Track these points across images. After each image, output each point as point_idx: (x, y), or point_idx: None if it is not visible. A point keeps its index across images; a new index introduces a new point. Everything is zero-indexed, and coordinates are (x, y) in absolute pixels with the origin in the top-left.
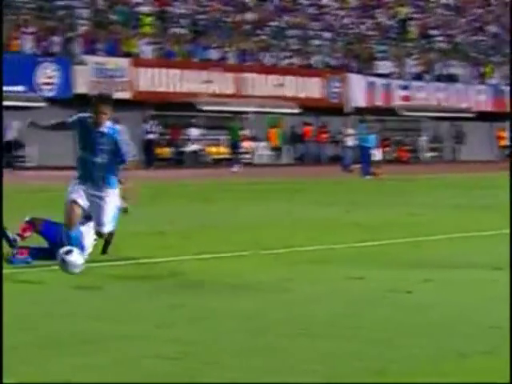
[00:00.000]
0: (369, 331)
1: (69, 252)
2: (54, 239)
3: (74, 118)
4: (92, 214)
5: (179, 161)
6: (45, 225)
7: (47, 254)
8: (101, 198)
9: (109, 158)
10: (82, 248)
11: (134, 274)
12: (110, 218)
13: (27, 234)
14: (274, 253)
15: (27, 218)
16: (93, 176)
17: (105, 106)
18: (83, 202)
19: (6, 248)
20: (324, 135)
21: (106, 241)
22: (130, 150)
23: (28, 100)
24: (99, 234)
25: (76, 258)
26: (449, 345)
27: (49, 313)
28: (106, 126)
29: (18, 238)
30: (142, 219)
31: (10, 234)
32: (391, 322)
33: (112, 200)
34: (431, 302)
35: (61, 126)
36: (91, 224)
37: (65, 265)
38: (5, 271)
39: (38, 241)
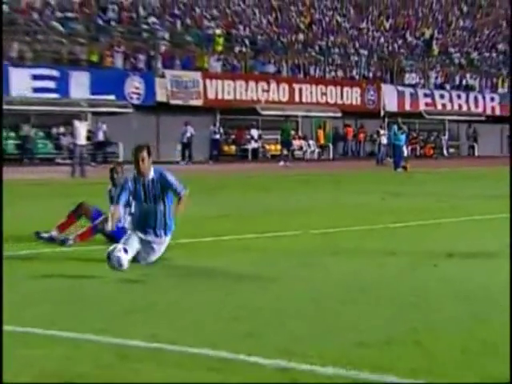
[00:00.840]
0: (403, 297)
1: (125, 250)
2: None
3: (123, 184)
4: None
5: (243, 157)
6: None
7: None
8: (155, 244)
9: (164, 203)
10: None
11: (206, 250)
12: (154, 259)
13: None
14: (322, 232)
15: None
16: (154, 223)
17: (142, 153)
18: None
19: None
20: (362, 135)
21: None
22: (181, 185)
23: (119, 107)
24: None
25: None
26: (464, 311)
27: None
28: (151, 173)
29: (71, 239)
30: (212, 204)
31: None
32: (421, 291)
33: (163, 247)
34: (454, 274)
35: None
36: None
37: (112, 262)
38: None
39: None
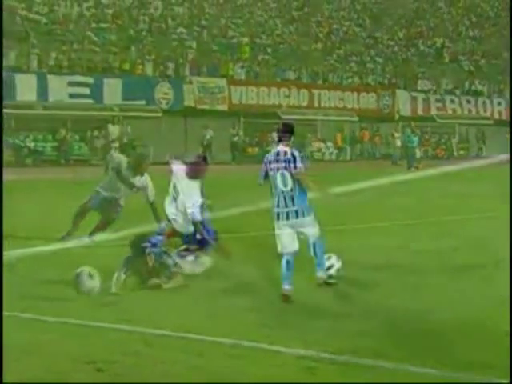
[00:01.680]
0: (405, 289)
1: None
2: None
3: None
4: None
5: None
6: None
7: None
8: None
9: None
10: None
11: (240, 243)
12: None
13: None
14: (336, 229)
15: None
16: None
17: None
18: None
19: None
20: (377, 137)
21: None
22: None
23: (149, 111)
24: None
25: None
26: (465, 301)
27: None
28: None
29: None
30: (238, 203)
31: None
32: (422, 283)
33: None
34: (457, 266)
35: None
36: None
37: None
38: None
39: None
